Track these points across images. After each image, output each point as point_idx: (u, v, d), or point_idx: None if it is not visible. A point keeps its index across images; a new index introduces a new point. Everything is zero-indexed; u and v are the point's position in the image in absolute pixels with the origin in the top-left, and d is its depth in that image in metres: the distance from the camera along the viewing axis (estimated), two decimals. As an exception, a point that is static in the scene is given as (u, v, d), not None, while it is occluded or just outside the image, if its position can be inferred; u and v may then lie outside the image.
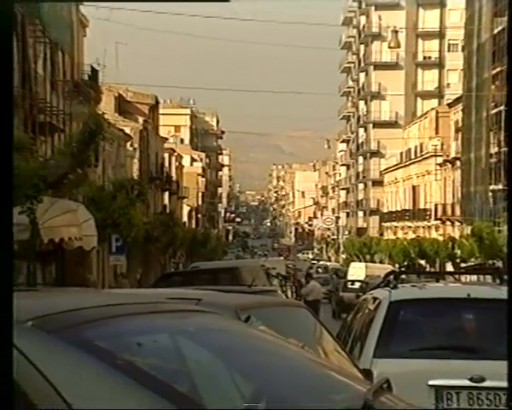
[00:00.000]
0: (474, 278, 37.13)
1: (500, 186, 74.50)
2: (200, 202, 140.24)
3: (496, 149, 76.49)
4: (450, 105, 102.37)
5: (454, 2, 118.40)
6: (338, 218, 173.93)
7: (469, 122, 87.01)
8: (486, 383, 10.83)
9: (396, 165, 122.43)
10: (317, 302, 44.56)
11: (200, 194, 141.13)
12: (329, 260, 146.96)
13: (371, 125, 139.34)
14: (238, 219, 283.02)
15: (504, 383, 10.81)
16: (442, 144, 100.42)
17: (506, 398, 5.23)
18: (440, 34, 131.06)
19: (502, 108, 74.74)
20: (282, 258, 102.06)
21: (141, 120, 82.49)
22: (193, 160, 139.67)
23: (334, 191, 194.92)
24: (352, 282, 63.95)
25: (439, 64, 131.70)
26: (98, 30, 68.43)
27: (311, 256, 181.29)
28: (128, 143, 73.41)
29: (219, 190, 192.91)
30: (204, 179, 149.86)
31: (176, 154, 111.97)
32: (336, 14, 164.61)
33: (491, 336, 11.67)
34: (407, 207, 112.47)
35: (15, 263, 32.50)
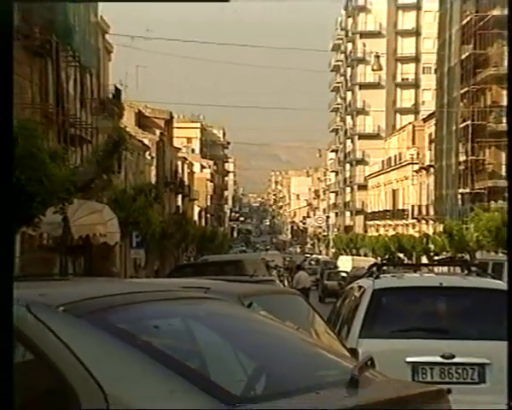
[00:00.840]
0: (446, 269, 37.07)
1: (467, 190, 74.61)
2: (208, 204, 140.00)
3: (464, 158, 76.69)
4: (424, 120, 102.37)
5: (428, 31, 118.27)
6: (328, 217, 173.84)
7: (441, 134, 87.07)
8: (456, 360, 10.85)
9: (378, 171, 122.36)
10: (306, 290, 44.24)
11: (208, 196, 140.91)
12: (320, 253, 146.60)
13: (357, 136, 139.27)
14: (241, 219, 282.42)
15: (471, 359, 10.97)
16: (418, 154, 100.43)
17: (506, 398, 4.99)
18: (416, 59, 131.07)
19: (469, 122, 74.90)
20: (279, 252, 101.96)
21: (157, 132, 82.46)
22: (202, 167, 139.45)
23: (324, 194, 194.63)
24: (336, 272, 65.19)
25: (415, 84, 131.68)
26: (121, 55, 68.37)
27: (298, 250, 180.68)
28: (146, 153, 73.39)
29: (225, 193, 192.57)
30: (212, 184, 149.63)
31: (188, 162, 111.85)
32: (326, 40, 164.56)
33: (460, 319, 11.73)
34: (388, 208, 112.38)
35: (50, 256, 32.60)
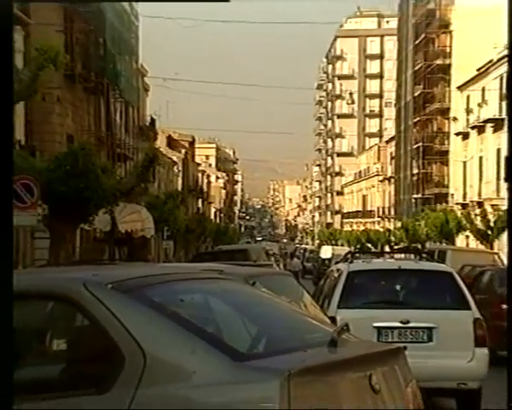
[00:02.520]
0: (402, 255, 36.85)
1: (419, 195, 74.65)
2: (221, 206, 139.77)
3: (416, 171, 76.79)
4: (386, 142, 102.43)
5: (389, 74, 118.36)
6: (313, 216, 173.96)
7: (399, 153, 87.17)
8: (410, 325, 10.90)
9: (351, 181, 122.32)
10: (297, 272, 44.74)
11: (221, 200, 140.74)
12: (307, 244, 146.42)
13: (335, 154, 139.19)
14: (247, 217, 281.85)
15: (422, 324, 10.99)
16: (382, 168, 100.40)
17: (506, 398, 5.34)
18: (380, 96, 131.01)
19: (420, 144, 74.94)
20: (276, 243, 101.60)
21: (183, 151, 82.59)
22: (217, 178, 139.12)
23: (311, 198, 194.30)
24: (312, 257, 67.50)
25: (380, 115, 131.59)
26: (155, 92, 68.39)
27: (285, 241, 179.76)
28: (174, 167, 73.40)
29: (235, 197, 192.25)
30: (224, 190, 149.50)
31: (206, 174, 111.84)
32: (312, 81, 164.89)
33: (413, 293, 11.77)
34: (359, 209, 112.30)
35: (102, 246, 32.59)
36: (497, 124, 55.00)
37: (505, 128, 53.54)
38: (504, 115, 54.14)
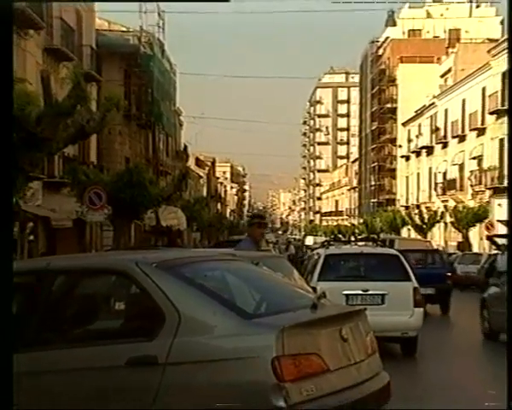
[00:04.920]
0: (363, 243, 36.51)
1: (375, 200, 74.42)
2: (234, 207, 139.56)
3: (373, 183, 76.60)
4: (352, 162, 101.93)
5: (354, 114, 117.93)
6: (300, 215, 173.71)
7: (361, 170, 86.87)
8: (369, 292, 10.81)
9: (327, 190, 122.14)
10: (290, 256, 43.91)
11: (234, 203, 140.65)
12: (296, 235, 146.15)
13: (316, 171, 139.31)
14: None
15: (377, 292, 10.86)
16: (349, 180, 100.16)
17: (506, 398, 4.93)
18: (347, 129, 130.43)
19: (376, 164, 74.76)
20: (273, 234, 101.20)
21: (206, 169, 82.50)
22: (231, 187, 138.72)
23: (298, 202, 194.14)
24: (295, 245, 64.31)
25: (347, 143, 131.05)
26: (188, 127, 68.36)
27: (280, 232, 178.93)
28: (201, 180, 73.35)
29: (244, 201, 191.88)
30: (236, 197, 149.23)
31: (223, 185, 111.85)
32: (299, 118, 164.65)
33: (371, 270, 11.48)
34: (333, 210, 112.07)
35: (149, 236, 32.37)
36: (428, 150, 54.95)
37: (435, 152, 53.54)
38: (434, 144, 54.16)
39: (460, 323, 16.95)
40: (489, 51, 40.29)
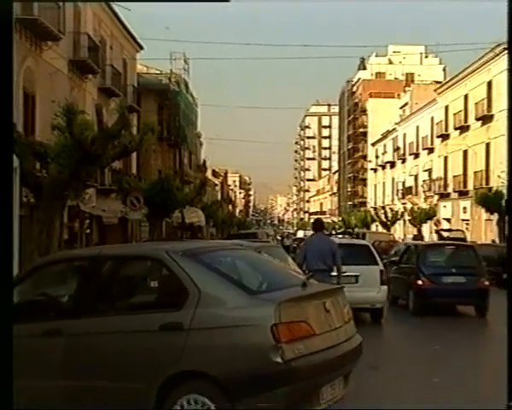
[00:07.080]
0: (342, 236, 36.52)
1: (351, 202, 74.14)
2: (242, 208, 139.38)
3: (350, 189, 76.34)
4: (334, 173, 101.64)
5: (334, 135, 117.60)
6: (293, 214, 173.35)
7: (340, 179, 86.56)
8: (346, 274, 10.11)
9: (314, 195, 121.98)
10: (288, 246, 43.05)
11: (242, 205, 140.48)
12: (290, 230, 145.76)
13: (305, 180, 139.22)
14: (256, 215, 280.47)
15: (352, 273, 10.24)
16: (331, 187, 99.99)
17: (506, 398, 4.03)
18: (330, 148, 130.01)
19: (351, 174, 74.50)
20: (272, 228, 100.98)
21: (221, 178, 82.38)
22: (240, 193, 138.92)
23: (291, 204, 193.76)
24: (287, 237, 62.67)
25: (329, 158, 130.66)
26: (206, 146, 68.25)
27: (276, 228, 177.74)
28: (216, 187, 73.24)
29: (249, 204, 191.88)
30: (244, 200, 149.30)
31: (233, 191, 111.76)
32: (292, 139, 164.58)
33: (348, 256, 10.56)
34: (318, 210, 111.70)
35: (176, 231, 32.03)
36: (391, 164, 55.10)
37: (396, 166, 53.50)
38: (396, 159, 54.16)
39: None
40: (435, 90, 41.90)
